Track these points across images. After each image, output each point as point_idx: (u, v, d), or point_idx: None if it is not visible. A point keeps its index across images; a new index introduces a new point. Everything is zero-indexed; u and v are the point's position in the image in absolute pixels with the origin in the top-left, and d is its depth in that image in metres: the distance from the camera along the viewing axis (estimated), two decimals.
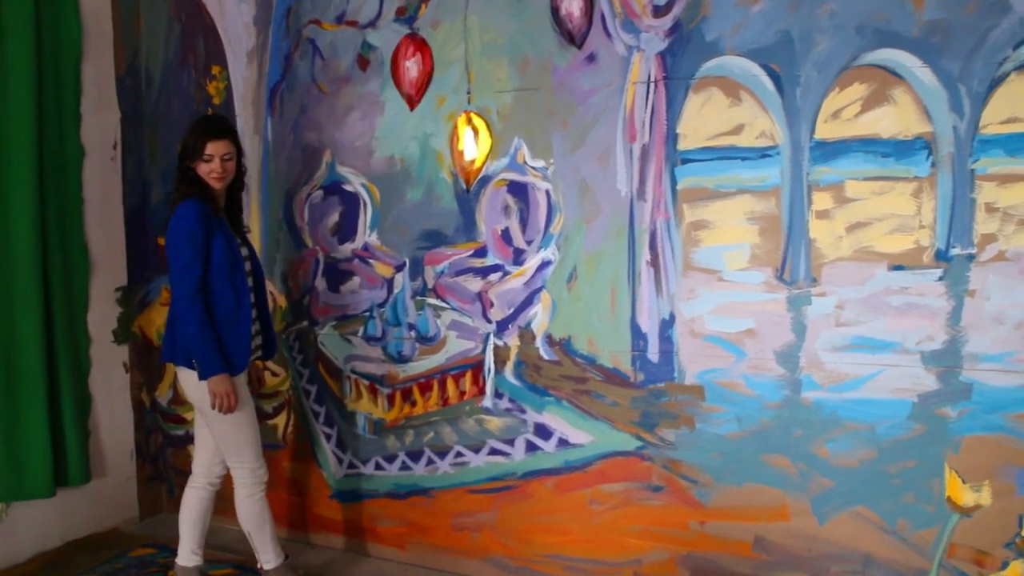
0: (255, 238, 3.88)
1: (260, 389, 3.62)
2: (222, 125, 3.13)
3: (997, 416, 2.64)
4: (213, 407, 3.02)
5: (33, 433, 3.57)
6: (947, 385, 2.70)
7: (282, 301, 3.85)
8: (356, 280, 3.67)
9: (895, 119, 2.69)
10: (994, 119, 2.58)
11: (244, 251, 3.19)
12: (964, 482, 2.70)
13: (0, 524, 3.59)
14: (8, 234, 3.50)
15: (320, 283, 3.76)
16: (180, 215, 3.00)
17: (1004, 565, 2.68)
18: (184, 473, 4.17)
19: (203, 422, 3.23)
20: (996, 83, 2.56)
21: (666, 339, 3.09)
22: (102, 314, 4.00)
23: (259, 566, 3.31)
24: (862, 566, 2.87)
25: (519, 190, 3.30)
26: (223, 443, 3.18)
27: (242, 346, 3.09)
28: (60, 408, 3.70)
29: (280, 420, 3.92)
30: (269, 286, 3.86)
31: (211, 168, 3.05)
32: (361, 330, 3.68)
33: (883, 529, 2.82)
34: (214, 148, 3.04)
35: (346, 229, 3.67)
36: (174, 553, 3.72)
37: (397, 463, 3.66)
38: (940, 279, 2.68)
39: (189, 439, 4.17)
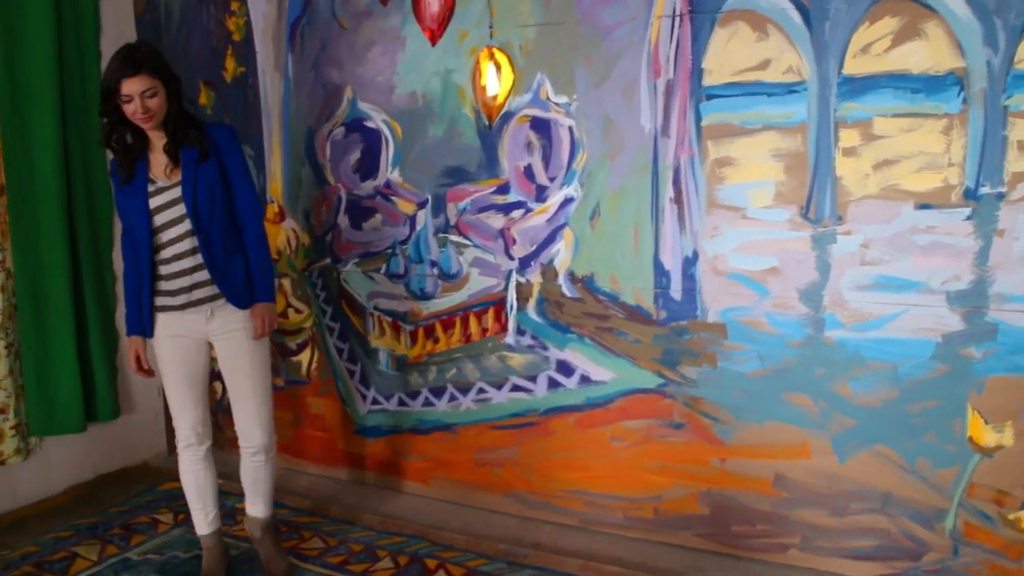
0: (277, 176, 3.88)
1: (257, 336, 2.99)
2: (135, 57, 2.70)
3: (1022, 357, 2.61)
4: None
5: (63, 370, 3.63)
6: (972, 325, 2.67)
7: (305, 239, 3.85)
8: (378, 217, 3.67)
9: (926, 54, 2.63)
10: None
11: (174, 194, 2.83)
12: (986, 423, 2.70)
13: (34, 458, 3.67)
14: (33, 173, 3.52)
15: (343, 220, 3.76)
16: None
17: (1023, 505, 2.70)
18: (210, 409, 4.25)
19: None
20: None
21: (689, 277, 3.07)
22: None
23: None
24: (882, 504, 2.88)
25: (542, 126, 3.26)
26: None
27: (143, 306, 2.90)
28: (88, 345, 3.76)
29: (304, 357, 3.96)
30: (291, 223, 3.87)
31: (133, 109, 2.71)
32: (384, 267, 3.69)
33: (903, 468, 2.83)
34: (131, 87, 2.68)
35: (368, 166, 3.66)
36: None
37: (420, 399, 3.70)
38: (968, 218, 2.64)
39: (215, 375, 4.21)
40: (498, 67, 3.29)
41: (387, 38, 3.51)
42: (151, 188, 2.84)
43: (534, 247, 3.33)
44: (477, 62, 3.33)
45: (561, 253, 3.28)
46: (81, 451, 3.85)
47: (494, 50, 3.28)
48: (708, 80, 2.95)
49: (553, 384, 3.38)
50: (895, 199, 2.72)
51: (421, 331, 3.65)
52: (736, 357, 3.04)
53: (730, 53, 2.90)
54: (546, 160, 3.27)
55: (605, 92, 3.12)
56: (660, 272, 3.12)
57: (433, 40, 3.41)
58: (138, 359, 2.98)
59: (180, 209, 2.84)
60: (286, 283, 3.93)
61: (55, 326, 3.61)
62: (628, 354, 3.22)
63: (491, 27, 3.29)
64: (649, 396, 3.21)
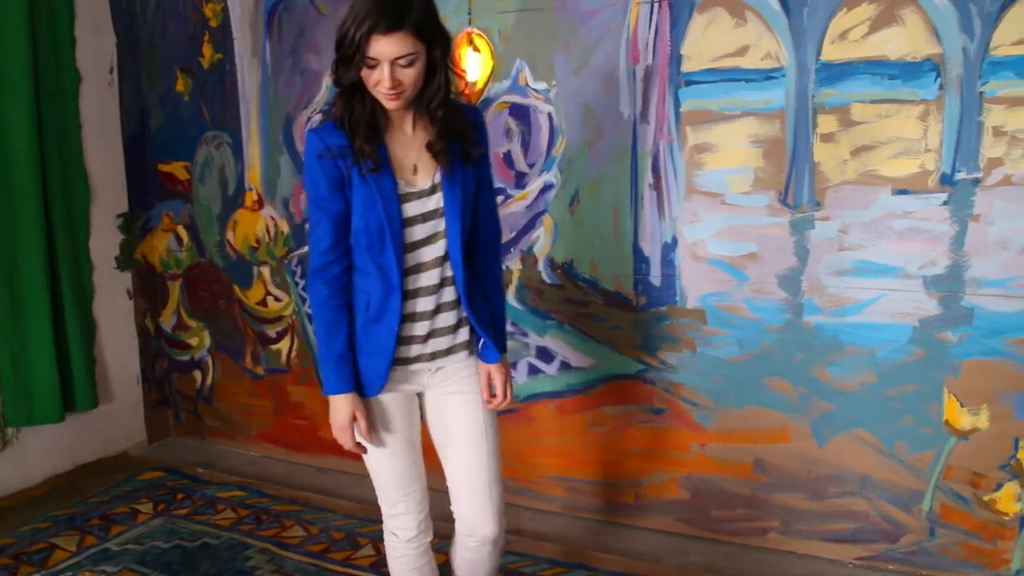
0: (255, 163, 3.85)
1: (497, 405, 2.23)
2: (398, 5, 1.86)
3: (997, 340, 2.64)
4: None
5: (40, 360, 3.60)
6: (948, 310, 2.70)
7: (284, 227, 3.83)
8: None
9: (903, 40, 2.64)
10: (1005, 40, 2.52)
11: (426, 204, 2.04)
12: (962, 406, 2.73)
13: (11, 448, 3.64)
14: (7, 162, 3.47)
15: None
16: (305, 152, 2.07)
17: (998, 487, 2.72)
18: (189, 398, 4.25)
19: None
20: (1009, 2, 2.50)
21: (668, 263, 3.08)
22: (104, 241, 4.00)
23: None
24: (860, 487, 2.91)
25: (521, 113, 3.25)
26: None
27: (379, 354, 2.07)
28: (65, 335, 3.72)
29: (283, 345, 3.94)
30: (270, 211, 3.84)
31: (377, 80, 1.90)
32: None
33: (881, 451, 2.86)
34: (381, 48, 1.86)
35: None
36: (182, 476, 3.79)
37: None
38: (945, 203, 2.66)
39: (194, 364, 4.21)
40: (477, 52, 3.27)
41: None
42: (399, 191, 2.04)
43: (513, 234, 3.33)
44: (456, 47, 3.31)
45: (541, 240, 3.28)
46: (59, 441, 3.82)
47: (474, 34, 3.26)
48: (687, 66, 2.95)
49: (533, 370, 3.38)
50: (872, 184, 2.74)
51: None
52: (715, 342, 3.05)
53: (709, 39, 2.90)
54: (525, 147, 3.26)
55: (584, 78, 3.11)
56: (639, 258, 3.13)
57: None
58: (356, 426, 2.10)
59: (435, 226, 2.06)
60: (265, 271, 3.91)
61: (31, 316, 3.58)
62: (608, 340, 3.23)
63: (470, 13, 3.27)
64: (629, 382, 3.22)
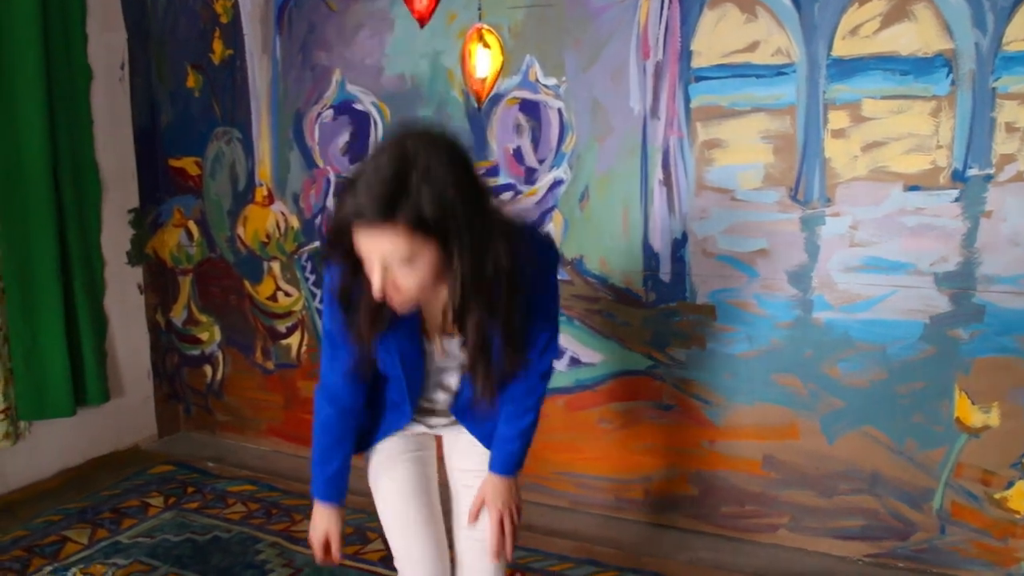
0: (265, 159, 3.86)
1: (492, 546, 1.92)
2: (390, 193, 1.44)
3: (1009, 338, 2.63)
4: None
5: (51, 354, 3.61)
6: (960, 307, 2.69)
7: (294, 222, 3.84)
8: None
9: (915, 36, 2.63)
10: (1018, 35, 2.51)
11: (446, 361, 1.86)
12: (973, 403, 2.71)
13: (23, 442, 3.66)
14: (20, 157, 3.48)
15: (331, 203, 3.74)
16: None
17: (1009, 484, 2.71)
18: (199, 392, 4.26)
19: None
20: None
21: (678, 259, 3.08)
22: (115, 236, 4.01)
23: None
24: (869, 485, 2.90)
25: (531, 108, 3.25)
26: None
27: (382, 432, 1.98)
28: (77, 329, 3.73)
29: (293, 340, 3.95)
30: (280, 207, 3.85)
31: (372, 280, 1.52)
32: None
33: (891, 449, 2.85)
34: (368, 244, 1.48)
35: (357, 149, 3.64)
36: (193, 470, 3.81)
37: None
38: (956, 200, 2.65)
39: (204, 359, 4.22)
40: (487, 48, 3.26)
41: (376, 20, 3.49)
42: (423, 348, 1.81)
43: None
44: (466, 43, 3.31)
45: (550, 235, 3.28)
46: (71, 435, 3.84)
47: (483, 30, 3.25)
48: (697, 62, 2.94)
49: None
50: (884, 181, 2.73)
51: None
52: (725, 339, 3.05)
53: (719, 35, 2.89)
54: (535, 142, 3.26)
55: (594, 74, 3.11)
56: (649, 254, 3.12)
57: (422, 22, 3.39)
58: (327, 543, 1.95)
59: (452, 373, 1.89)
60: (275, 267, 3.92)
61: (43, 310, 3.59)
62: (617, 336, 3.22)
63: (480, 9, 3.26)
64: (639, 378, 3.22)
